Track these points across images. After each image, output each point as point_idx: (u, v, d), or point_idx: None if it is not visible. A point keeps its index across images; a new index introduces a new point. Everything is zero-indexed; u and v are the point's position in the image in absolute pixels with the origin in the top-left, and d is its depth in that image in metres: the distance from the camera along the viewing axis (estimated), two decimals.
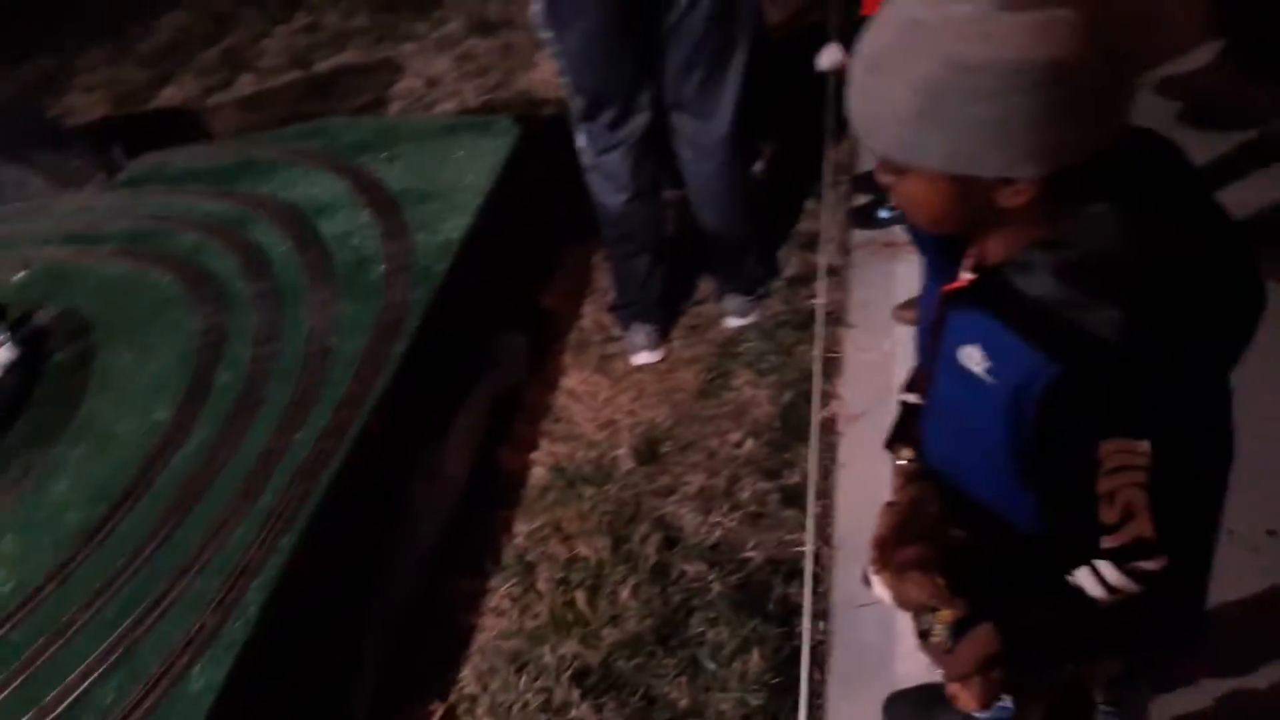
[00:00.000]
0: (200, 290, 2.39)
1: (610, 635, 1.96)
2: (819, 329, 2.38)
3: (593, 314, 2.72)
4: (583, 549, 2.12)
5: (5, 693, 1.60)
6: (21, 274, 2.69)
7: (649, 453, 2.30)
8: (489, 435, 2.38)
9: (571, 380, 2.55)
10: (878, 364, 2.29)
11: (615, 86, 2.25)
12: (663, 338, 2.58)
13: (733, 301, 2.56)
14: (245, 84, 4.50)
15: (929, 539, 0.93)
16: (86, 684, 1.57)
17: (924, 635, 1.03)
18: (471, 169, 2.49)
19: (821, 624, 1.87)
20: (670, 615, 1.96)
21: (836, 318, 2.47)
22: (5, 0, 5.64)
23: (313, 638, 1.84)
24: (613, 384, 2.52)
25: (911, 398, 1.09)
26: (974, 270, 0.91)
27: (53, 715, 1.54)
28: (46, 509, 1.95)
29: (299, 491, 1.79)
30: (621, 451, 2.32)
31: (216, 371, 2.14)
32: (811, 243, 2.72)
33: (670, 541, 2.10)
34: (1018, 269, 0.82)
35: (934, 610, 0.99)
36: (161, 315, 2.37)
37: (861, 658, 1.78)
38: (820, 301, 2.46)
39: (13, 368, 2.22)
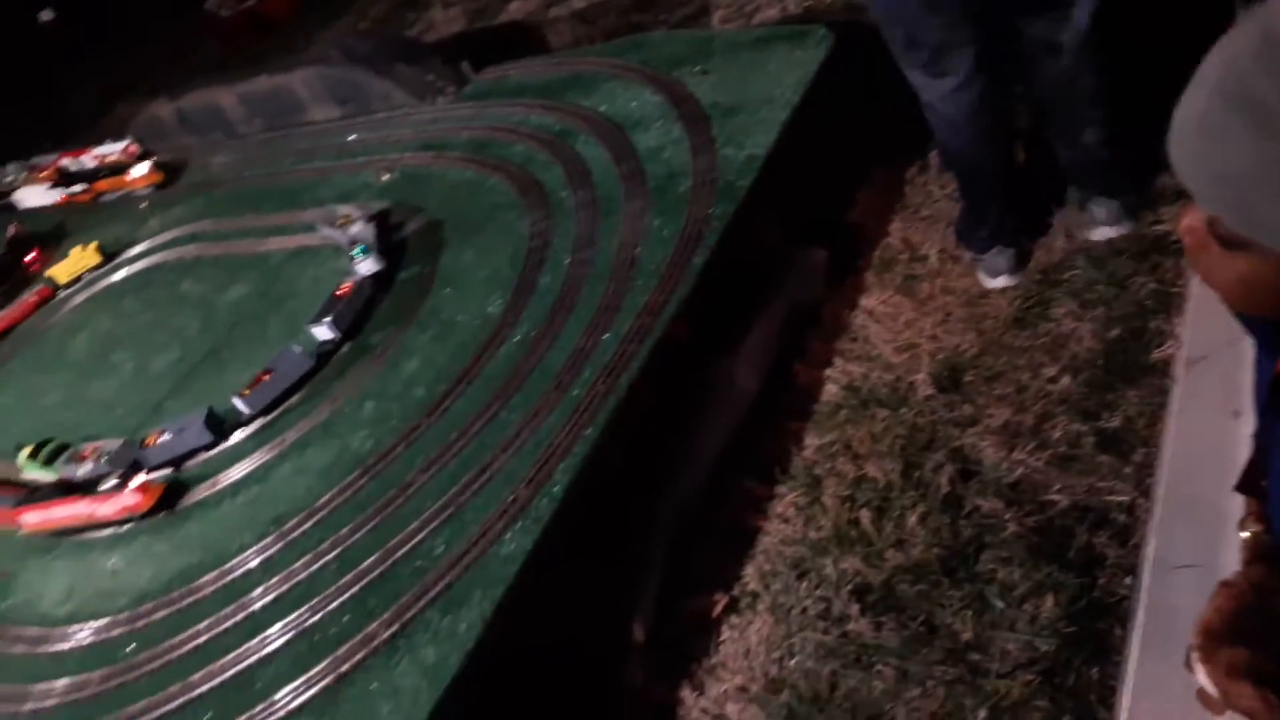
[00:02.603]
0: (530, 197, 2.59)
1: (894, 558, 1.93)
2: None
3: (901, 231, 2.60)
4: (871, 470, 2.10)
5: (360, 534, 1.91)
6: (388, 176, 3.07)
7: (950, 381, 2.20)
8: (784, 349, 2.40)
9: (872, 300, 2.48)
10: None
11: (928, 30, 2.04)
12: (1023, 262, 2.33)
13: (1102, 208, 2.24)
14: None
15: (1269, 640, 0.78)
16: (422, 535, 1.84)
17: None
18: (781, 82, 2.45)
19: (1129, 579, 1.73)
20: (960, 548, 1.90)
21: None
22: None
23: (609, 520, 2.00)
24: (916, 306, 2.41)
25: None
26: None
27: (394, 557, 1.82)
28: (399, 383, 2.26)
29: (603, 387, 1.93)
30: (920, 377, 2.23)
31: (541, 273, 2.33)
32: None
33: (966, 474, 2.01)
34: None
35: None
36: (497, 218, 2.61)
37: (1171, 621, 1.62)
38: None
39: (376, 276, 2.57)
